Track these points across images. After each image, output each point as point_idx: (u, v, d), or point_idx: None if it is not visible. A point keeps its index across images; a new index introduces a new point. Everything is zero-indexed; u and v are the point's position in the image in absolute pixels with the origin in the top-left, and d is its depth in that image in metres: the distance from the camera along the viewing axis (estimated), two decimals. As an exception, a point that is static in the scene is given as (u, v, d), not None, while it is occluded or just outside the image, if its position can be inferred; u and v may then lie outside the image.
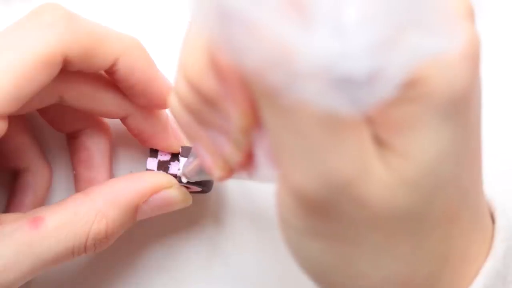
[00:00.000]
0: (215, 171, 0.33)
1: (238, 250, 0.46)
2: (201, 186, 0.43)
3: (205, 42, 0.30)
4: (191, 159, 0.40)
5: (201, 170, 0.38)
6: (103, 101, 0.41)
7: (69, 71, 0.39)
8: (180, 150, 0.44)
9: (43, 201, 0.44)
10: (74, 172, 0.44)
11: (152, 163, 0.44)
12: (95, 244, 0.40)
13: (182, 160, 0.43)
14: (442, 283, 0.31)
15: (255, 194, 0.46)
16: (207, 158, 0.33)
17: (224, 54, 0.27)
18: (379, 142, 0.28)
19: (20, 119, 0.42)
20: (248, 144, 0.31)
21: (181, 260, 0.46)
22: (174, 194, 0.42)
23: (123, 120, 0.43)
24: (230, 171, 0.33)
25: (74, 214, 0.40)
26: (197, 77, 0.31)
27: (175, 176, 0.43)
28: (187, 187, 0.43)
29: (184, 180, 0.43)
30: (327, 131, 0.26)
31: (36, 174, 0.44)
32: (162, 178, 0.42)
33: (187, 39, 0.31)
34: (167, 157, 0.44)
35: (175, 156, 0.44)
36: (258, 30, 0.24)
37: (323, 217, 0.29)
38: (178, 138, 0.44)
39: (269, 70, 0.25)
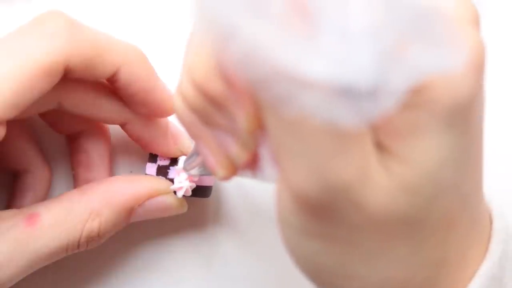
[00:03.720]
0: (218, 170, 0.33)
1: (238, 250, 0.46)
2: (199, 196, 0.44)
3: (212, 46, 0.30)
4: (193, 156, 0.40)
5: (204, 167, 0.38)
6: (102, 107, 0.41)
7: (69, 78, 0.39)
8: (178, 159, 0.44)
9: (42, 202, 0.44)
10: (73, 172, 0.45)
11: (151, 168, 0.44)
12: (88, 242, 0.41)
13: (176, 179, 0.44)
14: (439, 286, 0.32)
15: (254, 194, 0.46)
16: (211, 158, 0.33)
17: (228, 64, 0.28)
18: (380, 146, 0.28)
19: (19, 122, 0.42)
20: (254, 144, 0.31)
21: (181, 260, 0.46)
22: (170, 200, 0.43)
23: (123, 126, 0.43)
24: (234, 171, 0.33)
25: (69, 211, 0.40)
26: (204, 79, 0.31)
27: (173, 181, 0.43)
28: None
29: (180, 194, 0.43)
30: (328, 136, 0.27)
31: (36, 175, 0.44)
32: (160, 183, 0.43)
33: (193, 41, 0.32)
34: (166, 162, 0.44)
35: (174, 161, 0.44)
36: (260, 46, 0.24)
37: (321, 219, 0.29)
38: (177, 143, 0.44)
39: (271, 83, 0.25)
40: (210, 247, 0.46)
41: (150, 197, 0.42)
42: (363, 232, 0.29)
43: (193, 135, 0.33)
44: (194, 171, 0.41)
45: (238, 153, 0.32)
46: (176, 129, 0.44)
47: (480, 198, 0.33)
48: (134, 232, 0.45)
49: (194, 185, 0.43)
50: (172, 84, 0.42)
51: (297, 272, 0.42)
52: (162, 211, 0.43)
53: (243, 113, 0.30)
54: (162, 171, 0.44)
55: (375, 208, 0.28)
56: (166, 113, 0.42)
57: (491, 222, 0.33)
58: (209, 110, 0.32)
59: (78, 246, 0.41)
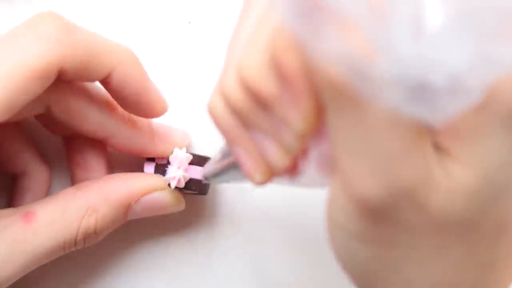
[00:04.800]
0: (255, 176, 0.32)
1: (237, 249, 0.46)
2: (195, 191, 0.44)
3: (266, 43, 0.29)
4: (218, 159, 0.38)
5: (229, 171, 0.36)
6: (87, 119, 0.41)
7: (60, 82, 0.38)
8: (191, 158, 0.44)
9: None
10: (71, 173, 0.44)
11: (149, 167, 0.44)
12: (84, 239, 0.41)
13: (193, 168, 0.43)
14: None
15: (254, 193, 0.46)
16: (248, 162, 0.32)
17: (301, 50, 0.26)
18: (437, 148, 0.28)
19: (15, 124, 0.43)
20: (300, 148, 0.30)
21: (180, 259, 0.46)
22: (166, 197, 0.43)
23: (106, 141, 0.43)
24: (271, 176, 0.32)
25: (65, 209, 0.40)
26: (255, 79, 0.29)
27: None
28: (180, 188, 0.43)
29: (173, 185, 0.43)
30: (396, 138, 0.26)
31: (34, 177, 0.44)
32: (156, 180, 0.43)
33: (240, 38, 0.31)
34: (164, 161, 0.44)
35: None
36: (348, 26, 0.23)
37: (380, 222, 0.28)
38: (168, 142, 0.44)
39: (351, 72, 0.24)
40: (209, 245, 0.46)
41: (146, 192, 0.42)
42: (419, 235, 0.29)
43: (230, 138, 0.32)
44: (215, 175, 0.39)
45: (281, 157, 0.30)
46: (164, 128, 0.44)
47: None
48: (133, 230, 0.45)
49: (188, 177, 0.43)
50: (162, 86, 0.42)
51: (297, 272, 0.42)
52: (159, 208, 0.43)
53: (298, 114, 0.28)
54: (160, 170, 0.44)
55: (435, 210, 0.28)
56: (157, 114, 0.42)
57: None
58: (255, 112, 0.30)
59: (75, 243, 0.40)
